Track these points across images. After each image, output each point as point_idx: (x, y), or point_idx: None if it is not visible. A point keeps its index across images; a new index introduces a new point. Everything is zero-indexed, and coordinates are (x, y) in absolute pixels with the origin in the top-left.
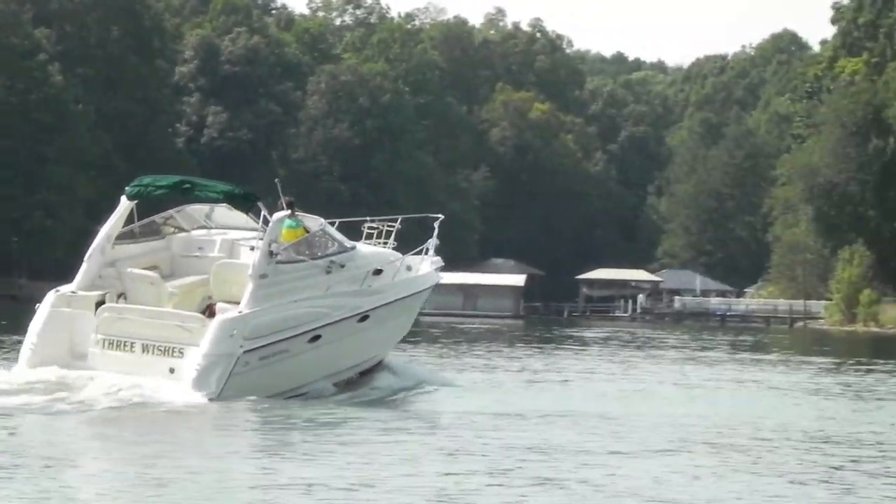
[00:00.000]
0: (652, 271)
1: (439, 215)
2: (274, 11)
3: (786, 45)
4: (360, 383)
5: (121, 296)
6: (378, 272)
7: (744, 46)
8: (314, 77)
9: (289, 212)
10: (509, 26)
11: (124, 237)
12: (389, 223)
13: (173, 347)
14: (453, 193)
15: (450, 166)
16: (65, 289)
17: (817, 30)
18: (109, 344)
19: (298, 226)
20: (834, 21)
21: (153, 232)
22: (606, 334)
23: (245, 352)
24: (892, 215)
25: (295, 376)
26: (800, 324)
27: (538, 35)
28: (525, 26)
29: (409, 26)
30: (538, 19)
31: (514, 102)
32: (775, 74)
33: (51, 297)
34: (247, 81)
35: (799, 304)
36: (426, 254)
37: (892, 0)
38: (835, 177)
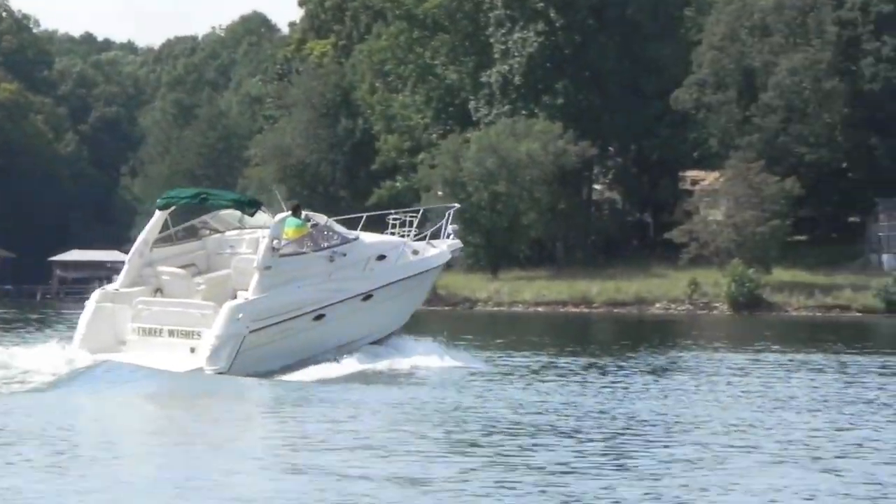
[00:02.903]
0: (127, 252)
1: (455, 204)
2: None
3: (255, 27)
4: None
5: (157, 291)
6: (381, 257)
7: (214, 28)
8: None
9: (290, 213)
10: None
11: (164, 241)
12: (412, 214)
13: (193, 331)
14: None
15: None
16: (109, 287)
17: (286, 12)
18: (143, 331)
19: (304, 224)
20: (301, 3)
21: (191, 234)
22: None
23: (251, 332)
24: (362, 195)
25: (303, 350)
26: None
27: (4, 14)
28: None
29: None
30: None
31: None
32: (246, 56)
33: (97, 293)
34: None
35: None
36: (442, 237)
37: None
38: (306, 157)
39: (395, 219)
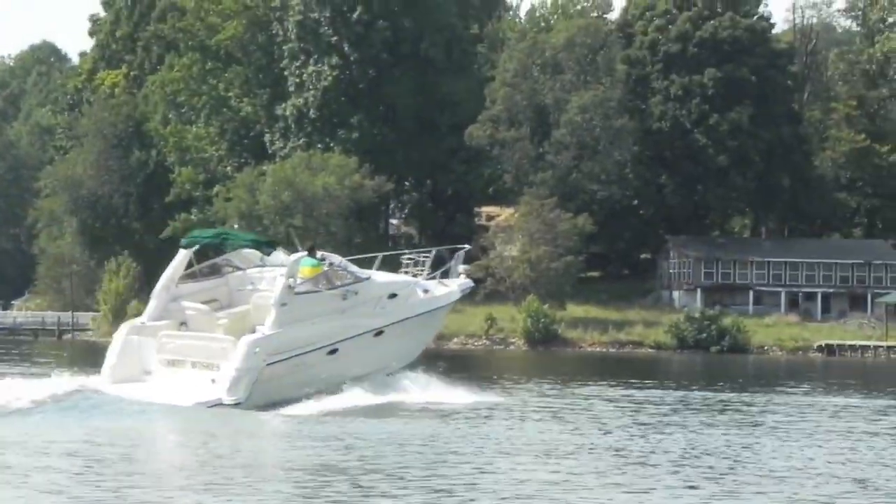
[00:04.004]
0: None
1: (466, 245)
2: None
3: (45, 56)
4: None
5: (182, 324)
6: (393, 296)
7: (2, 57)
8: None
9: (305, 252)
10: None
11: (188, 277)
12: (424, 254)
13: (213, 363)
14: None
15: None
16: (136, 321)
17: (76, 41)
18: (167, 363)
19: (319, 264)
20: (92, 33)
21: (214, 272)
22: None
23: (267, 365)
24: (156, 227)
25: (317, 383)
26: (68, 335)
27: None
28: None
29: None
30: None
31: None
32: (36, 86)
33: (125, 327)
34: None
35: (67, 316)
36: (452, 276)
37: (149, 14)
38: (99, 189)
39: (408, 259)
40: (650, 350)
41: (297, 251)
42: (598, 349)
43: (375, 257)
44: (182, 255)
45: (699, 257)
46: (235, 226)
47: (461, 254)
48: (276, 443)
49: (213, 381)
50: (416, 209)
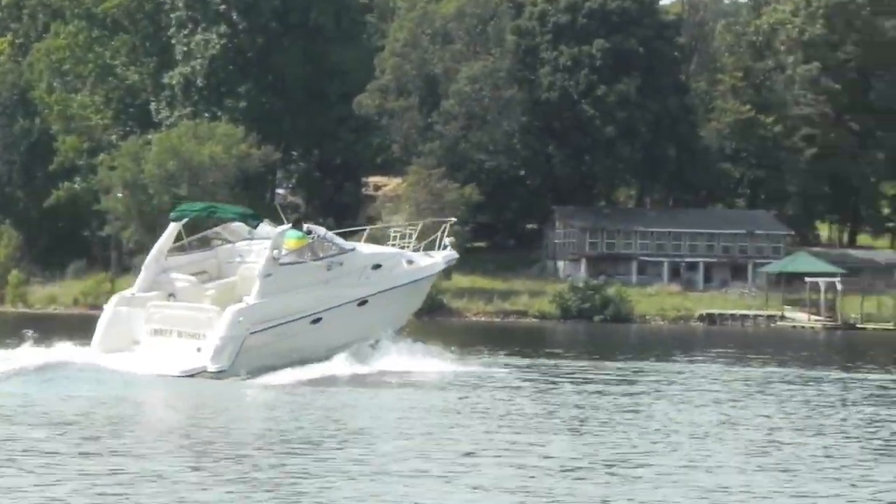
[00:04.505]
0: None
1: (452, 219)
2: None
3: None
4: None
5: (171, 296)
6: (377, 266)
7: None
8: None
9: (290, 225)
10: None
11: (178, 250)
12: (411, 227)
13: (199, 333)
14: None
15: None
16: (126, 292)
17: None
18: (155, 332)
19: (304, 236)
20: None
21: (204, 244)
22: None
23: (251, 333)
24: (39, 196)
25: (300, 351)
26: None
27: None
28: None
29: None
30: None
31: None
32: None
33: (115, 298)
34: None
35: None
36: (438, 248)
37: None
38: None
39: (395, 231)
40: (534, 320)
41: (283, 224)
42: (483, 319)
43: (363, 231)
44: (171, 228)
45: (585, 227)
46: (119, 195)
47: (447, 226)
48: (250, 412)
49: (198, 349)
50: (303, 179)
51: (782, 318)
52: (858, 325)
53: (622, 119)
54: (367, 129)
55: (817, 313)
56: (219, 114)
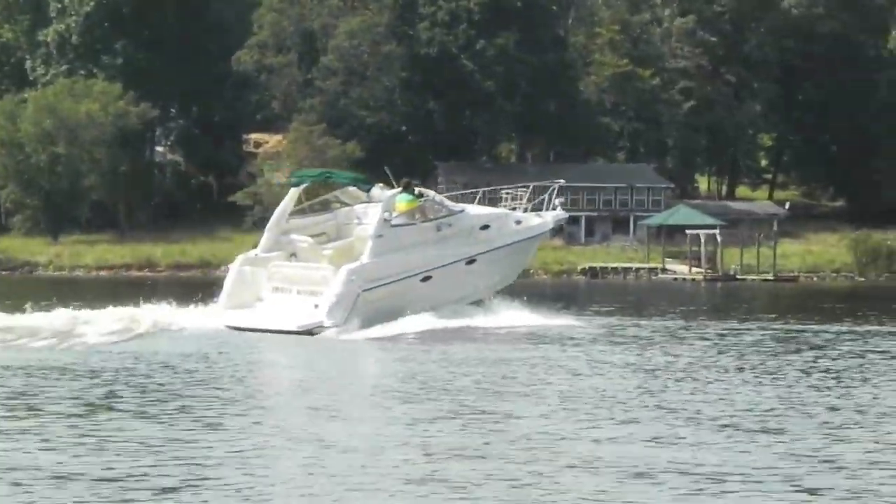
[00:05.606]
0: None
1: (561, 180)
2: None
3: None
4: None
5: (292, 256)
6: (485, 227)
7: None
8: None
9: (400, 189)
10: None
11: (300, 213)
12: (522, 188)
13: (316, 291)
14: None
15: None
16: (250, 253)
17: None
18: (276, 290)
19: (415, 199)
20: None
21: (324, 207)
22: None
23: (364, 290)
24: None
25: (411, 308)
26: None
27: None
28: None
29: None
30: None
31: None
32: None
33: (240, 258)
34: None
35: None
36: (546, 209)
37: None
38: None
39: (507, 193)
40: None
41: (393, 188)
42: None
43: (476, 193)
44: (292, 193)
45: (466, 183)
46: None
47: (556, 187)
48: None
49: (315, 306)
50: (182, 136)
51: (664, 270)
52: (738, 277)
53: (502, 74)
54: (246, 86)
55: (698, 265)
56: (95, 71)
